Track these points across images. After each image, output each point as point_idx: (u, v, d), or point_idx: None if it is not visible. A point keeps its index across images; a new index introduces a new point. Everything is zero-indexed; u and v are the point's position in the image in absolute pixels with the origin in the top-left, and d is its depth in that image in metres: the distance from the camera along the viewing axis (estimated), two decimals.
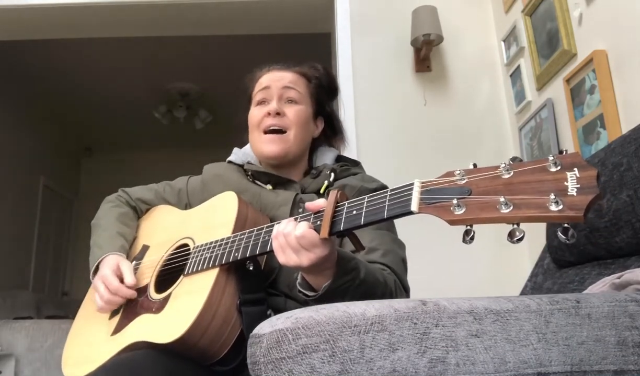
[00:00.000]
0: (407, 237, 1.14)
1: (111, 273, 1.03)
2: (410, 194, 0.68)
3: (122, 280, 1.04)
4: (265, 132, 1.13)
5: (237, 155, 1.24)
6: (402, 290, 1.00)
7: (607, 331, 0.64)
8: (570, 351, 0.62)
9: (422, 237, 1.59)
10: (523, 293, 1.33)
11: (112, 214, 1.19)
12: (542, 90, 2.13)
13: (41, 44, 3.44)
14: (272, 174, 1.13)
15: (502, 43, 2.44)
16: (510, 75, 2.38)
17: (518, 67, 2.30)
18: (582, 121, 1.82)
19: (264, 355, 0.61)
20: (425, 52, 2.42)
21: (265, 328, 0.63)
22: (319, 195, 1.11)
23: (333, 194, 0.79)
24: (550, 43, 2.02)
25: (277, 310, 0.92)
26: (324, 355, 0.59)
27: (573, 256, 1.16)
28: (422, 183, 0.68)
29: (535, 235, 1.38)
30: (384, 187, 1.14)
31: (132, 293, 1.03)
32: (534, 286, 1.29)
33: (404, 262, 1.06)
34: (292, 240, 0.79)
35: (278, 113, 1.12)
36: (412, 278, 1.06)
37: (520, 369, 0.61)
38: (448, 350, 0.61)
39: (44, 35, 3.06)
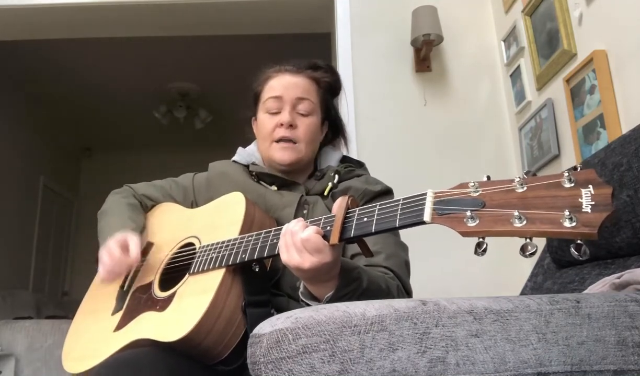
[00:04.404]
0: (408, 237, 1.14)
1: (116, 245, 1.03)
2: (423, 204, 0.68)
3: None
4: (275, 142, 1.13)
5: (242, 155, 1.23)
6: (404, 294, 0.99)
7: (607, 331, 0.64)
8: (570, 351, 0.62)
9: (422, 238, 1.58)
10: (523, 293, 1.33)
11: (122, 203, 1.19)
12: (542, 90, 2.13)
13: (41, 44, 3.44)
14: (277, 176, 1.13)
15: (502, 43, 2.44)
16: (510, 75, 2.38)
17: (518, 67, 2.30)
18: (582, 121, 1.82)
19: (264, 355, 0.61)
20: (425, 52, 2.42)
21: (265, 328, 0.63)
22: (323, 197, 1.11)
23: (344, 200, 0.79)
24: (550, 43, 2.02)
25: (280, 310, 0.92)
26: (324, 354, 0.59)
27: (573, 256, 1.16)
28: (435, 193, 0.68)
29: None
30: (388, 189, 1.14)
31: (135, 262, 1.02)
32: (534, 286, 1.29)
33: (407, 264, 1.06)
34: (297, 241, 0.79)
35: (291, 125, 1.12)
36: (412, 278, 1.06)
37: (520, 369, 0.61)
38: (448, 350, 0.61)
39: (44, 35, 3.06)
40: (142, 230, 1.16)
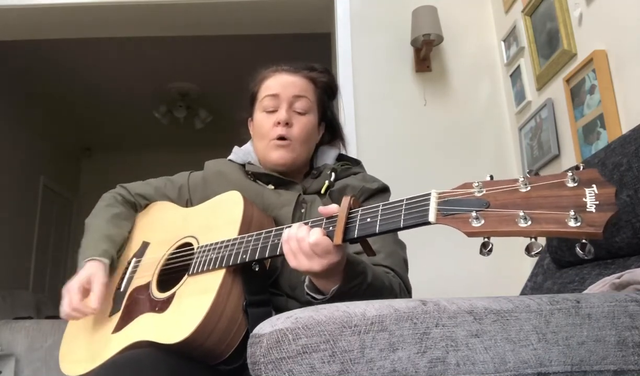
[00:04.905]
0: (408, 237, 1.13)
1: (78, 288, 1.02)
2: (428, 205, 0.68)
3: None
4: (273, 140, 1.12)
5: (238, 154, 1.22)
6: (405, 292, 1.00)
7: (607, 331, 0.64)
8: (570, 351, 0.62)
9: (422, 237, 1.58)
10: (523, 293, 1.32)
11: (103, 215, 1.18)
12: (542, 90, 2.13)
13: (41, 44, 3.44)
14: (273, 175, 1.13)
15: (502, 43, 2.44)
16: (510, 75, 2.38)
17: (518, 67, 2.30)
18: (582, 121, 1.82)
19: (264, 355, 0.61)
20: (425, 52, 2.42)
21: (265, 328, 0.63)
22: (320, 196, 1.11)
23: (346, 200, 0.79)
24: (550, 43, 2.02)
25: (279, 310, 0.92)
26: (324, 355, 0.59)
27: (573, 256, 1.16)
28: (439, 193, 0.68)
29: None
30: (386, 187, 1.14)
31: (91, 312, 1.01)
32: (534, 286, 1.29)
33: (405, 262, 1.07)
34: (306, 246, 0.79)
35: (287, 123, 1.11)
36: (412, 278, 1.07)
37: (520, 369, 0.61)
38: (448, 350, 0.60)
39: (44, 35, 3.06)
40: (121, 243, 1.16)
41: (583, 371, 0.62)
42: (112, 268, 1.11)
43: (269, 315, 0.88)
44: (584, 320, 0.64)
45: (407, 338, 0.61)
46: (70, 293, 1.02)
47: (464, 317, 0.62)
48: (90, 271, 1.05)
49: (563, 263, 1.21)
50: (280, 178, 1.13)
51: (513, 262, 2.15)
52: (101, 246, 1.10)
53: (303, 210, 1.07)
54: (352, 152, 2.18)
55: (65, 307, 1.02)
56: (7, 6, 2.65)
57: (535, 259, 1.36)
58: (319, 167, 1.18)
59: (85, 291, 1.03)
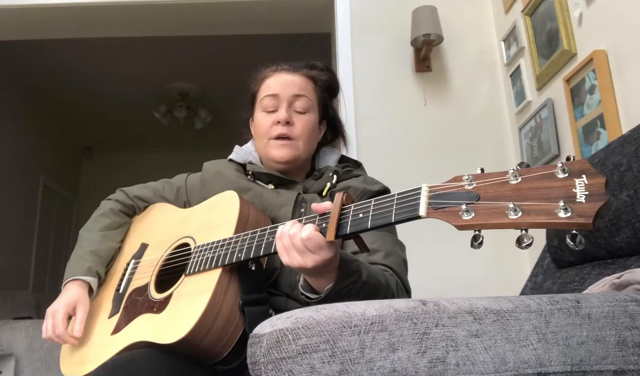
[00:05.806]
0: (407, 237, 1.14)
1: (64, 315, 1.04)
2: (418, 198, 0.68)
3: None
4: (273, 138, 1.12)
5: (239, 153, 1.22)
6: (403, 291, 1.00)
7: (607, 331, 0.64)
8: (570, 351, 0.62)
9: (422, 237, 1.59)
10: (523, 293, 1.32)
11: (94, 227, 1.19)
12: (542, 90, 2.13)
13: (41, 44, 3.44)
14: (274, 175, 1.13)
15: (502, 43, 2.44)
16: (510, 75, 2.38)
17: (518, 67, 2.30)
18: (582, 121, 1.82)
19: (263, 355, 0.61)
20: (425, 52, 2.42)
21: (265, 328, 0.63)
22: (322, 197, 1.11)
23: (339, 196, 0.79)
24: (550, 43, 2.02)
25: (278, 310, 0.93)
26: (324, 355, 0.59)
27: (573, 256, 1.16)
28: (430, 187, 0.68)
29: (535, 235, 1.38)
30: (386, 189, 1.14)
31: (73, 342, 1.04)
32: (534, 286, 1.29)
33: (404, 263, 1.06)
34: (298, 242, 0.79)
35: (287, 122, 1.11)
36: (412, 278, 1.07)
37: (520, 369, 0.61)
38: (448, 350, 0.60)
39: (44, 35, 3.06)
40: (111, 256, 1.18)
41: (583, 371, 0.62)
42: (100, 281, 1.14)
43: (266, 314, 0.89)
44: (584, 320, 0.64)
45: (407, 338, 0.61)
46: (56, 319, 1.04)
47: (464, 317, 0.62)
48: (76, 296, 1.07)
49: (563, 263, 1.21)
50: (281, 177, 1.13)
51: (513, 262, 2.15)
52: (86, 263, 1.12)
53: (302, 210, 1.07)
54: (352, 151, 2.18)
55: (49, 331, 1.04)
56: (7, 6, 2.65)
57: (535, 259, 1.36)
58: (320, 168, 1.18)
59: (70, 315, 1.05)
